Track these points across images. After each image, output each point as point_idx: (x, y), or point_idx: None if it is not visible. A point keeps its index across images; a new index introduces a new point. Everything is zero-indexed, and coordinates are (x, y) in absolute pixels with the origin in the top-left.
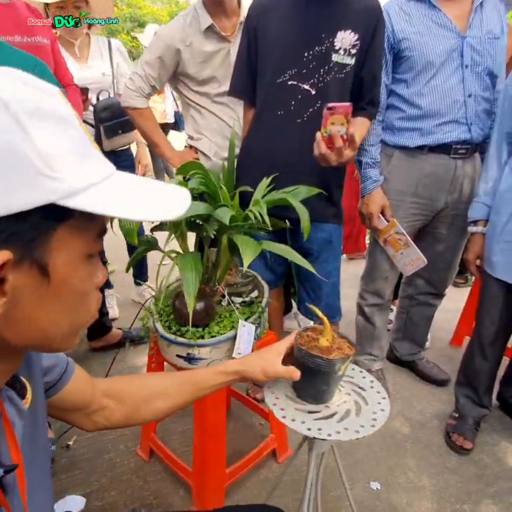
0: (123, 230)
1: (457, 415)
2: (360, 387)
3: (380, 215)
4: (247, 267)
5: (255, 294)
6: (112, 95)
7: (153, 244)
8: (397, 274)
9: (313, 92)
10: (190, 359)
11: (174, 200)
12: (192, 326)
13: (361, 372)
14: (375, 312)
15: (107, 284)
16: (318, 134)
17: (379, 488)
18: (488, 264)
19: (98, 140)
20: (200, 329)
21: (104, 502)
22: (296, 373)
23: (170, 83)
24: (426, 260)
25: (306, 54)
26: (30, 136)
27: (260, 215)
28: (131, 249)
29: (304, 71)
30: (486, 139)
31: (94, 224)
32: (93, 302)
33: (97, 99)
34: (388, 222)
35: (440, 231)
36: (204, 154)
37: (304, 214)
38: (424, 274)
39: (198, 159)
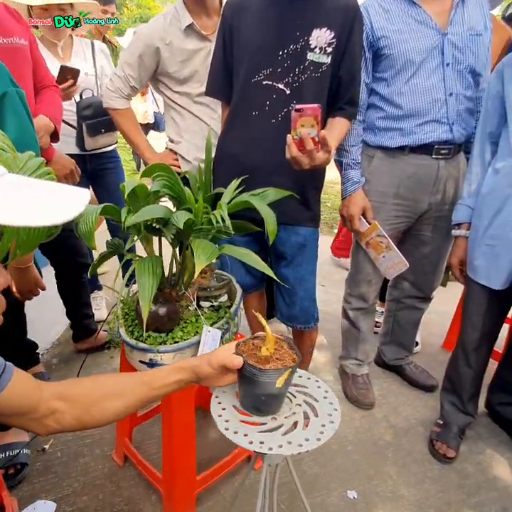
0: (80, 233)
1: (442, 422)
2: (313, 398)
3: (362, 217)
4: (227, 270)
5: (224, 298)
6: (95, 94)
7: (119, 248)
8: (382, 277)
9: (288, 92)
10: (153, 365)
11: (66, 205)
12: (154, 331)
13: (317, 381)
14: (360, 316)
15: (96, 286)
16: (289, 137)
17: (356, 497)
18: (470, 268)
19: (80, 139)
20: (163, 335)
21: (75, 507)
22: (237, 360)
23: (151, 84)
24: (408, 264)
25: (280, 52)
26: None
27: (222, 218)
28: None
29: (279, 70)
30: (470, 139)
31: None
32: None
33: (80, 97)
34: (370, 224)
35: (424, 233)
36: (183, 158)
37: (268, 217)
38: (410, 277)
39: (178, 161)
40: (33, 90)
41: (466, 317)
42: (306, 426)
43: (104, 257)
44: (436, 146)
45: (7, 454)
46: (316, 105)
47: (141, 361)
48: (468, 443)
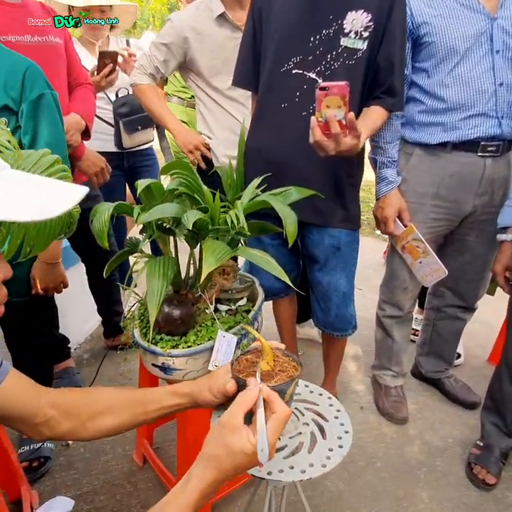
0: (93, 232)
1: (482, 444)
2: (322, 417)
3: (397, 219)
4: (255, 274)
5: (243, 301)
6: (131, 93)
7: (136, 247)
8: (420, 284)
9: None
10: (165, 369)
11: (57, 202)
12: (168, 333)
13: (330, 398)
14: (394, 325)
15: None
16: (313, 119)
17: None
18: None
19: (118, 137)
20: (176, 338)
21: (92, 506)
22: (230, 385)
23: (182, 76)
24: (447, 271)
25: (312, 38)
26: None
27: (237, 218)
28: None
29: (310, 58)
30: None
31: None
32: None
33: (116, 96)
34: (405, 227)
35: (468, 238)
36: (213, 153)
37: (287, 218)
38: (452, 284)
39: (206, 146)
40: (66, 88)
41: (510, 330)
42: (312, 449)
43: (120, 256)
44: (482, 143)
45: (31, 446)
46: (343, 83)
47: (153, 364)
48: (510, 468)
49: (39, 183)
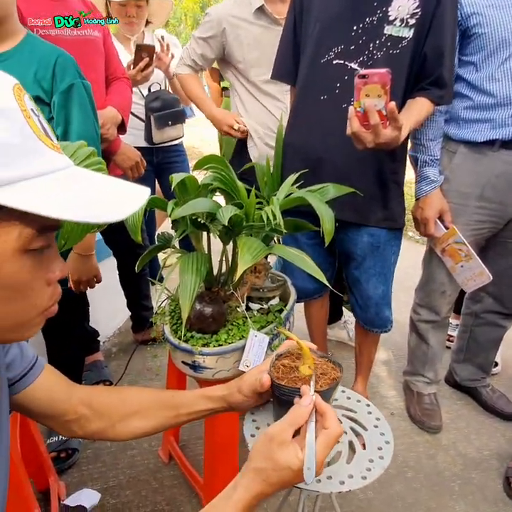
0: (127, 226)
1: None
2: (361, 426)
3: (438, 220)
4: (288, 274)
5: (276, 301)
6: (163, 88)
7: (169, 242)
8: (458, 288)
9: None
10: (195, 367)
11: (127, 201)
12: (198, 331)
13: (368, 406)
14: (430, 330)
15: (160, 280)
16: (351, 109)
17: None
18: None
19: (148, 132)
20: (207, 336)
21: (118, 500)
22: (265, 378)
23: (221, 69)
24: (491, 276)
25: (354, 27)
26: None
27: (274, 215)
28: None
29: (352, 47)
30: None
31: (27, 219)
32: (41, 297)
33: (149, 90)
34: (447, 229)
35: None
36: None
37: (324, 215)
38: (493, 289)
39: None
40: (104, 81)
41: None
42: (351, 459)
43: (152, 251)
44: None
45: (60, 437)
46: (384, 70)
47: (183, 362)
48: None
49: (104, 181)
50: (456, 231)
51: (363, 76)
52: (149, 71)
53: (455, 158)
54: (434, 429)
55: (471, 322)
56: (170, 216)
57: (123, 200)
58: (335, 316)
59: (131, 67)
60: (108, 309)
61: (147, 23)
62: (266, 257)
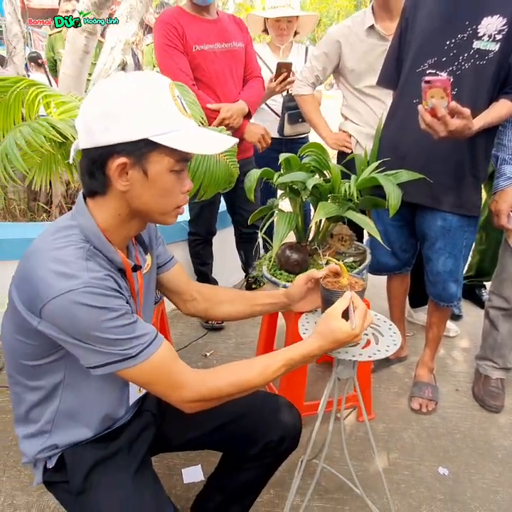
0: (245, 187)
1: None
2: (379, 333)
3: (511, 213)
4: (372, 251)
5: (350, 260)
6: None
7: (275, 204)
8: None
9: (450, 80)
10: None
11: (228, 144)
12: (286, 271)
13: (391, 326)
14: (500, 317)
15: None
16: (421, 107)
17: (446, 474)
18: None
19: (281, 126)
20: (292, 276)
21: None
22: (320, 271)
23: (334, 78)
24: None
25: (447, 42)
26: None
27: (349, 187)
28: None
29: (444, 59)
30: None
31: (176, 152)
32: (176, 198)
33: (287, 91)
34: None
35: None
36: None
37: (392, 192)
38: None
39: (350, 142)
40: (241, 83)
41: None
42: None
43: (261, 210)
44: None
45: None
46: (445, 77)
47: None
48: None
49: (215, 134)
50: None
51: (428, 82)
52: (286, 84)
53: None
54: (494, 408)
55: None
56: (274, 182)
57: (226, 143)
58: (421, 301)
59: (273, 80)
60: (228, 268)
61: (295, 33)
62: (357, 232)
